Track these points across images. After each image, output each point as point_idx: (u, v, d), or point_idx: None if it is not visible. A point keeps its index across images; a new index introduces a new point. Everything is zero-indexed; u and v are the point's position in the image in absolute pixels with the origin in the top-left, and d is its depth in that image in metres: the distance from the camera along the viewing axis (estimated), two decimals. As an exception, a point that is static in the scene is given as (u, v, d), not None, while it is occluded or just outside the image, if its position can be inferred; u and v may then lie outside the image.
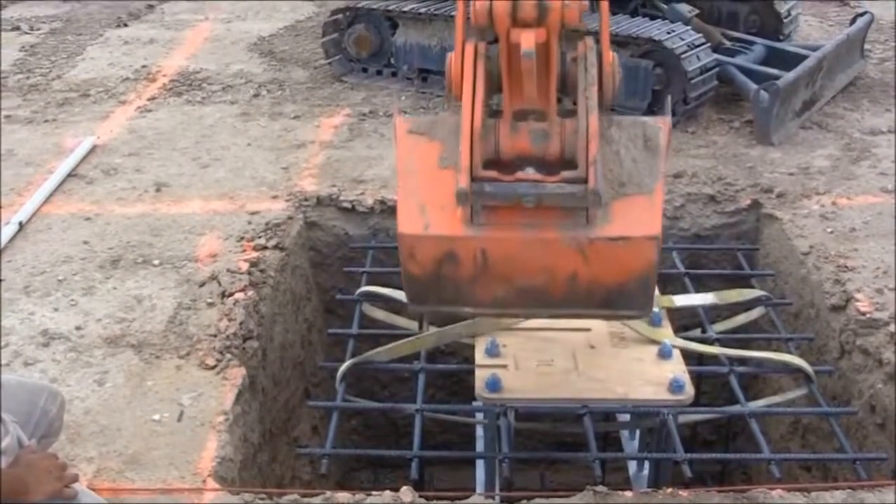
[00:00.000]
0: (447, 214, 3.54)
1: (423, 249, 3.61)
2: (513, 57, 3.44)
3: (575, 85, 3.53)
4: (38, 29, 11.41)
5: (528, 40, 3.31)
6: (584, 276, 3.61)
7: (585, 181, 3.35)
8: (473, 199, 3.43)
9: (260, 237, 6.30)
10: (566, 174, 3.39)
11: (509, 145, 3.53)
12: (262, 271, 5.98)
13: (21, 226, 6.48)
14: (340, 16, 9.42)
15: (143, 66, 9.90)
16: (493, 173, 3.43)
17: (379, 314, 5.59)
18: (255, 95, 9.01)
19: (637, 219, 3.50)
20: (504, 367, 4.73)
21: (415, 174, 3.61)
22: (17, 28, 11.41)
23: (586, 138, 3.38)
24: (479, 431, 5.48)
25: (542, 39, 3.35)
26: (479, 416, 5.27)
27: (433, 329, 5.27)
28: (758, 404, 5.10)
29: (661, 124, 3.57)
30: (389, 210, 6.53)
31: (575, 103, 3.50)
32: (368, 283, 5.79)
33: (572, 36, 3.64)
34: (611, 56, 3.56)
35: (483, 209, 3.52)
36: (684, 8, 8.73)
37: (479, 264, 3.61)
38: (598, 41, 3.58)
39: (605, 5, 3.59)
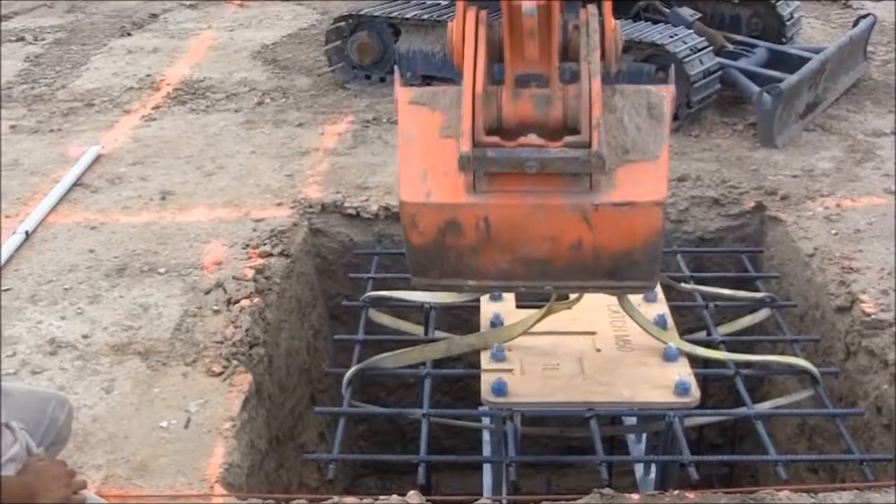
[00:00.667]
0: (449, 182, 3.53)
1: (424, 218, 3.60)
2: (514, 18, 3.44)
3: (577, 51, 3.53)
4: (43, 39, 11.42)
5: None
6: (589, 243, 3.60)
7: (589, 146, 3.35)
8: (476, 165, 3.42)
9: (265, 244, 6.31)
10: (569, 139, 3.39)
11: (511, 111, 3.53)
12: (267, 278, 6.00)
13: (27, 235, 6.50)
14: (343, 23, 9.44)
15: (147, 76, 9.91)
16: (495, 139, 3.42)
17: (384, 319, 5.60)
18: (259, 103, 9.02)
19: (642, 184, 3.49)
20: (510, 371, 4.74)
21: (416, 143, 3.61)
22: (22, 39, 11.43)
23: (589, 102, 3.38)
24: (486, 436, 5.49)
25: (543, 1, 3.35)
26: (486, 420, 5.27)
27: (440, 334, 5.29)
28: (764, 406, 5.10)
29: (664, 92, 3.57)
30: (394, 216, 6.54)
31: (577, 69, 3.51)
32: (374, 289, 5.80)
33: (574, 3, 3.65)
34: (612, 23, 3.56)
35: (485, 176, 3.51)
36: (686, 12, 8.75)
37: (482, 233, 3.60)
38: (600, 8, 3.59)
39: None
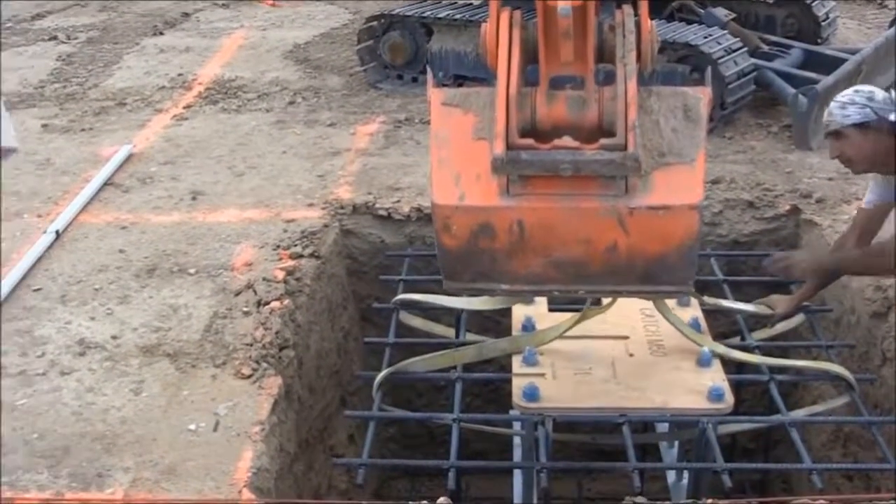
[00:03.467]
0: (482, 185, 3.49)
1: (458, 221, 3.56)
2: (549, 19, 3.39)
3: (613, 53, 3.48)
4: (75, 38, 11.45)
5: None
6: (624, 247, 3.55)
7: (624, 148, 3.30)
8: (509, 167, 3.37)
9: (296, 245, 6.29)
10: (604, 141, 3.34)
11: (546, 113, 3.48)
12: (297, 280, 5.97)
13: (58, 234, 6.49)
14: (375, 23, 9.41)
15: (179, 75, 9.91)
16: (529, 141, 3.38)
17: (416, 322, 5.55)
18: (291, 103, 9.01)
19: (678, 187, 3.43)
20: (542, 375, 4.69)
21: (449, 145, 3.57)
22: (55, 38, 11.45)
23: (625, 104, 3.33)
24: (517, 441, 5.44)
25: (579, 0, 3.31)
26: (517, 425, 5.23)
27: (471, 337, 5.24)
28: (799, 413, 5.04)
29: (701, 94, 3.52)
30: (426, 218, 6.50)
31: (613, 71, 3.46)
32: (405, 292, 5.76)
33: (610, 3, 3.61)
34: (649, 24, 3.51)
35: (519, 179, 3.46)
36: (721, 12, 8.68)
37: (516, 236, 3.55)
38: (635, 8, 3.54)
39: None
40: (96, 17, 12.50)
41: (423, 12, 9.10)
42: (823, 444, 6.08)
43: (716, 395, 4.53)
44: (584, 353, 4.87)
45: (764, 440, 6.11)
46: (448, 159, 3.54)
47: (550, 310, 5.21)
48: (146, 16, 12.38)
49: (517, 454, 5.40)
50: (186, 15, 12.42)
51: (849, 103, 4.69)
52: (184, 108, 8.96)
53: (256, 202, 6.97)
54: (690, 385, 4.65)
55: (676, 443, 5.55)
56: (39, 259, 6.25)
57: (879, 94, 4.72)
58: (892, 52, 8.82)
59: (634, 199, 3.44)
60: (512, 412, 4.89)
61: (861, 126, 4.66)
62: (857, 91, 4.77)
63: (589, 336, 4.93)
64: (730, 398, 4.56)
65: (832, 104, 4.77)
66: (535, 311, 5.20)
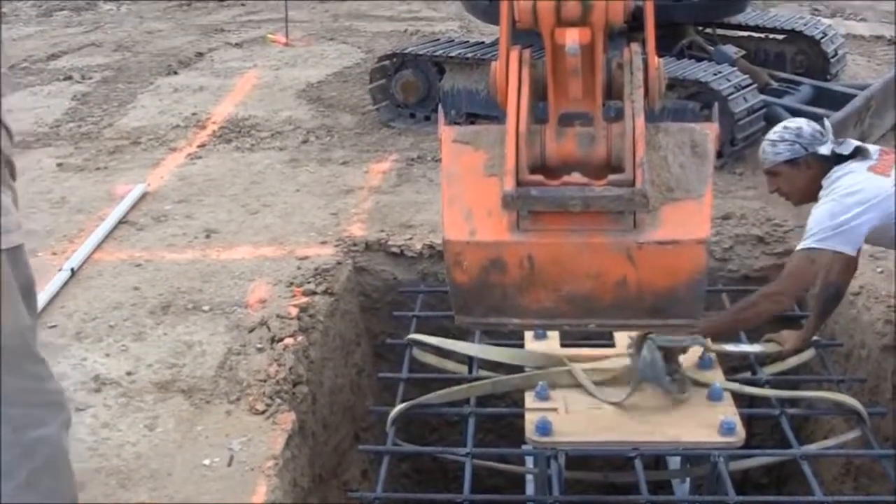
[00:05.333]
0: (493, 221, 3.53)
1: (469, 256, 3.59)
2: (557, 57, 3.44)
3: (621, 89, 3.53)
4: (90, 78, 11.54)
5: (572, 37, 3.32)
6: (633, 281, 3.59)
7: (633, 184, 3.34)
8: (520, 203, 3.42)
9: (309, 282, 6.33)
10: (613, 177, 3.38)
11: (555, 150, 3.52)
12: (311, 316, 6.01)
13: (73, 272, 6.54)
14: (388, 62, 9.48)
15: (193, 114, 9.99)
16: (539, 178, 3.42)
17: (429, 359, 5.59)
18: (304, 142, 9.07)
19: (686, 222, 3.47)
20: (554, 410, 4.72)
21: (460, 181, 3.61)
22: (70, 77, 11.55)
23: (633, 140, 3.37)
24: (529, 476, 5.46)
25: (587, 39, 3.36)
26: (529, 460, 5.25)
27: (483, 373, 5.28)
28: (811, 448, 5.06)
29: (708, 130, 3.56)
30: (438, 255, 6.54)
31: (621, 107, 3.50)
32: (418, 328, 5.80)
33: (618, 40, 3.65)
34: (656, 61, 3.55)
35: (529, 215, 3.51)
36: (730, 49, 8.74)
37: (526, 271, 3.59)
38: (643, 46, 3.59)
39: (650, 7, 3.58)
40: (111, 56, 12.60)
41: (436, 51, 9.17)
42: (835, 477, 6.08)
43: (727, 429, 4.55)
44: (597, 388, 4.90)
45: (776, 474, 6.12)
46: (459, 196, 3.58)
47: (563, 345, 5.25)
48: (160, 55, 12.48)
49: (530, 489, 5.43)
50: (200, 55, 12.51)
51: (779, 140, 4.80)
52: (198, 146, 9.03)
53: (270, 240, 7.02)
54: (702, 419, 4.68)
55: (688, 478, 5.57)
56: (55, 296, 6.29)
57: (807, 128, 4.82)
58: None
59: (643, 235, 3.48)
60: (525, 447, 4.92)
61: (792, 162, 4.77)
62: (785, 127, 4.88)
63: (601, 369, 4.97)
64: (741, 432, 4.58)
65: (764, 142, 4.88)
66: (548, 347, 5.23)
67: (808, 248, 4.77)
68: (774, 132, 4.88)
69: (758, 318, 5.06)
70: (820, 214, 4.75)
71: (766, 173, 4.95)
